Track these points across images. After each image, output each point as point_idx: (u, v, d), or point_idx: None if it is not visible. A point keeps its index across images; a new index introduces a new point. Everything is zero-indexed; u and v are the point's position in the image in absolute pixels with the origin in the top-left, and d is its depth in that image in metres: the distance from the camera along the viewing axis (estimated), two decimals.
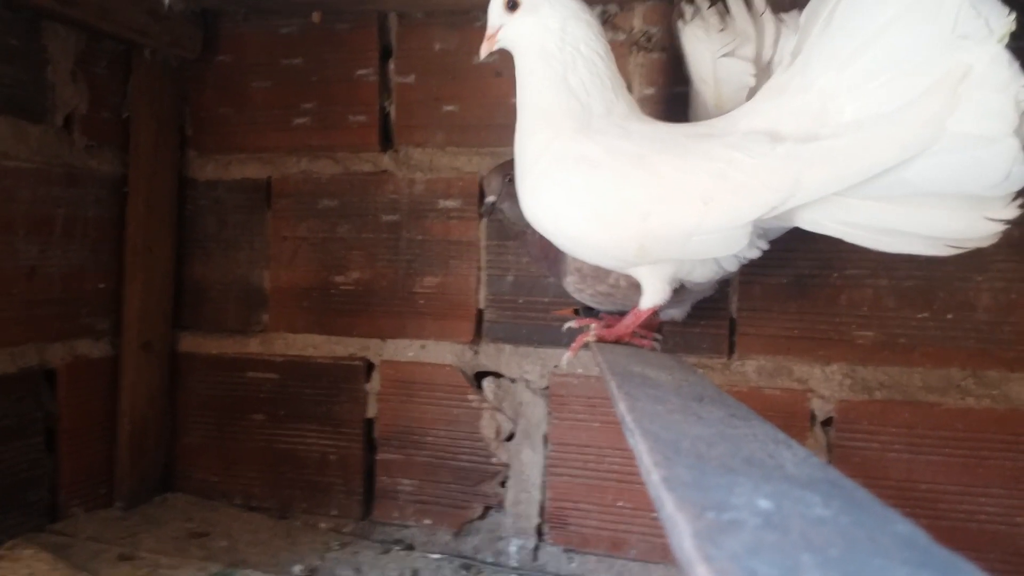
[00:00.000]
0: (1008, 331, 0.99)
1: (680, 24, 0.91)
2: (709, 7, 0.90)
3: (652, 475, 0.31)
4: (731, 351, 1.10)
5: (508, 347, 1.19)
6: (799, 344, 1.07)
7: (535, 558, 1.16)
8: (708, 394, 0.57)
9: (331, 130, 1.26)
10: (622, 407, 0.46)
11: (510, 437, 1.18)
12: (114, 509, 1.25)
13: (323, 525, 1.24)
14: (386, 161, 1.24)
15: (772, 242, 0.77)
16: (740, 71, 0.88)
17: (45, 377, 1.16)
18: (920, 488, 1.01)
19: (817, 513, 0.29)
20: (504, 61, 1.06)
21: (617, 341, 0.83)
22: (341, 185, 1.26)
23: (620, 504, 1.12)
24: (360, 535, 1.22)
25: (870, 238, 0.69)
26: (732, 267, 0.79)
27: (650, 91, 1.12)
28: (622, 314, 0.87)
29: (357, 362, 1.25)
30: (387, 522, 1.23)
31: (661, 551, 1.10)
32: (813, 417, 1.06)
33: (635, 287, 0.81)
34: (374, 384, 1.24)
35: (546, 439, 1.16)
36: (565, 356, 0.83)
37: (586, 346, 0.83)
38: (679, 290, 0.81)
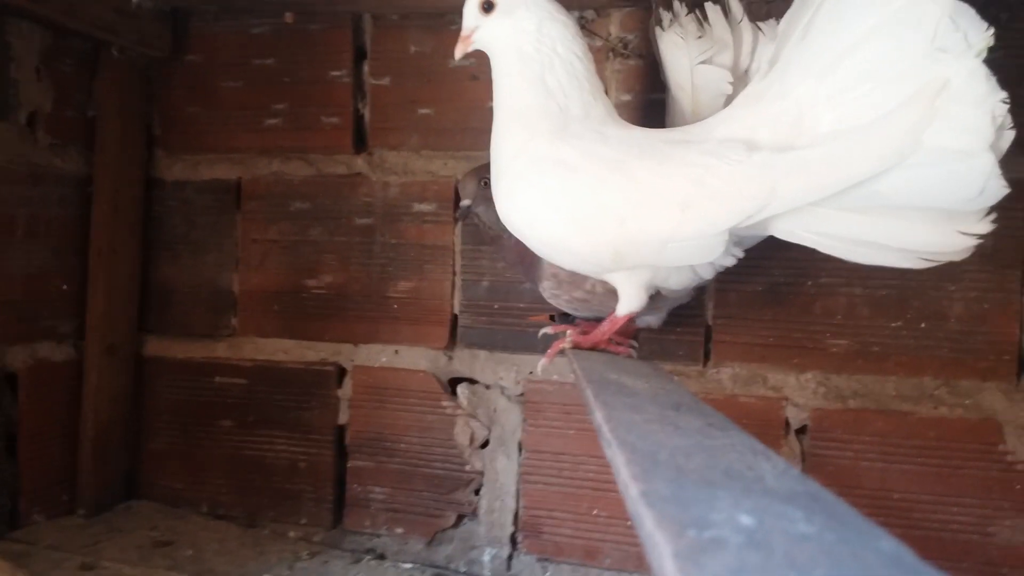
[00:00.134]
0: (980, 341, 1.00)
1: (658, 31, 0.91)
2: (687, 14, 0.89)
3: (631, 489, 0.30)
4: (707, 358, 1.10)
5: (483, 353, 1.17)
6: (774, 352, 1.07)
7: (509, 567, 1.14)
8: (685, 403, 0.56)
9: (303, 131, 1.24)
10: (599, 417, 0.45)
11: (484, 444, 1.17)
12: (76, 517, 1.22)
13: (292, 534, 1.22)
14: (360, 164, 1.22)
15: (747, 250, 0.77)
16: (718, 79, 0.88)
17: (6, 381, 1.13)
18: (893, 497, 1.02)
19: (800, 530, 0.28)
20: (481, 65, 1.05)
21: (593, 348, 0.82)
22: (313, 187, 1.24)
23: (595, 512, 1.11)
24: (330, 544, 1.20)
25: (845, 249, 0.69)
26: (708, 274, 0.78)
27: (627, 97, 1.12)
28: (598, 320, 0.86)
29: (329, 367, 1.23)
30: (358, 531, 1.20)
31: (635, 560, 1.09)
32: (788, 425, 1.06)
33: (611, 293, 0.80)
34: (346, 390, 1.22)
35: (521, 446, 1.15)
36: (540, 363, 0.82)
37: (562, 352, 0.82)
38: (655, 297, 0.80)
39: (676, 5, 0.90)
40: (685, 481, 0.32)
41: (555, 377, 1.13)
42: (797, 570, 0.24)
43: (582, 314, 0.95)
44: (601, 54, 1.12)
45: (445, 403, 1.18)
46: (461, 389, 1.18)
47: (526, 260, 0.92)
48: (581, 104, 0.77)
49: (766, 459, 0.41)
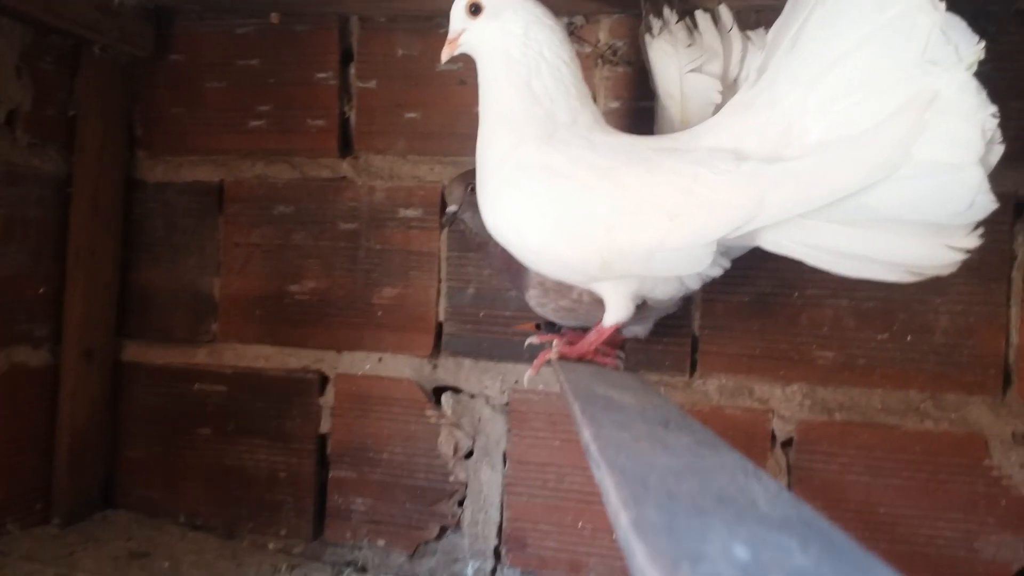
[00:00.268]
0: (966, 354, 1.00)
1: (647, 38, 0.90)
2: (677, 22, 0.89)
3: (620, 517, 0.29)
4: (693, 369, 1.09)
5: (468, 361, 1.16)
6: (760, 363, 1.06)
7: None
8: (673, 419, 0.55)
9: (288, 134, 1.22)
10: (587, 435, 0.43)
11: (469, 454, 1.15)
12: (51, 526, 1.19)
13: (272, 545, 1.20)
14: (345, 167, 1.21)
15: (734, 260, 0.76)
16: (707, 87, 0.88)
17: None
18: (879, 512, 1.01)
19: (797, 563, 0.27)
20: (468, 69, 1.04)
21: (580, 359, 0.81)
22: (297, 191, 1.22)
23: (580, 525, 1.10)
24: (310, 556, 1.18)
25: (832, 261, 0.68)
26: (695, 284, 0.78)
27: (615, 104, 1.11)
28: (585, 330, 0.85)
29: (311, 375, 1.21)
30: (339, 543, 1.18)
31: (621, 574, 1.08)
32: (774, 438, 1.06)
33: (598, 303, 0.79)
34: (328, 398, 1.20)
35: (505, 457, 1.13)
36: (527, 374, 0.81)
37: (548, 363, 0.81)
38: (642, 307, 0.80)
39: (666, 12, 0.89)
40: (677, 507, 0.31)
41: (541, 387, 1.11)
42: None
43: (569, 323, 0.94)
44: (590, 60, 1.11)
45: (429, 412, 1.16)
46: (445, 398, 1.17)
47: (512, 268, 0.91)
48: (568, 110, 0.76)
49: (757, 481, 0.40)
